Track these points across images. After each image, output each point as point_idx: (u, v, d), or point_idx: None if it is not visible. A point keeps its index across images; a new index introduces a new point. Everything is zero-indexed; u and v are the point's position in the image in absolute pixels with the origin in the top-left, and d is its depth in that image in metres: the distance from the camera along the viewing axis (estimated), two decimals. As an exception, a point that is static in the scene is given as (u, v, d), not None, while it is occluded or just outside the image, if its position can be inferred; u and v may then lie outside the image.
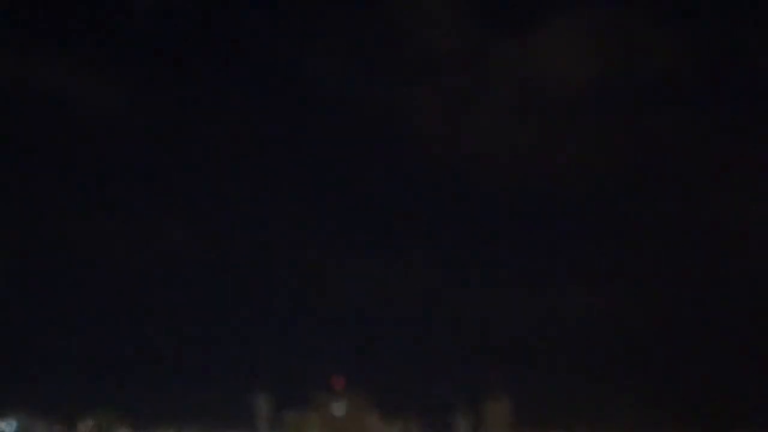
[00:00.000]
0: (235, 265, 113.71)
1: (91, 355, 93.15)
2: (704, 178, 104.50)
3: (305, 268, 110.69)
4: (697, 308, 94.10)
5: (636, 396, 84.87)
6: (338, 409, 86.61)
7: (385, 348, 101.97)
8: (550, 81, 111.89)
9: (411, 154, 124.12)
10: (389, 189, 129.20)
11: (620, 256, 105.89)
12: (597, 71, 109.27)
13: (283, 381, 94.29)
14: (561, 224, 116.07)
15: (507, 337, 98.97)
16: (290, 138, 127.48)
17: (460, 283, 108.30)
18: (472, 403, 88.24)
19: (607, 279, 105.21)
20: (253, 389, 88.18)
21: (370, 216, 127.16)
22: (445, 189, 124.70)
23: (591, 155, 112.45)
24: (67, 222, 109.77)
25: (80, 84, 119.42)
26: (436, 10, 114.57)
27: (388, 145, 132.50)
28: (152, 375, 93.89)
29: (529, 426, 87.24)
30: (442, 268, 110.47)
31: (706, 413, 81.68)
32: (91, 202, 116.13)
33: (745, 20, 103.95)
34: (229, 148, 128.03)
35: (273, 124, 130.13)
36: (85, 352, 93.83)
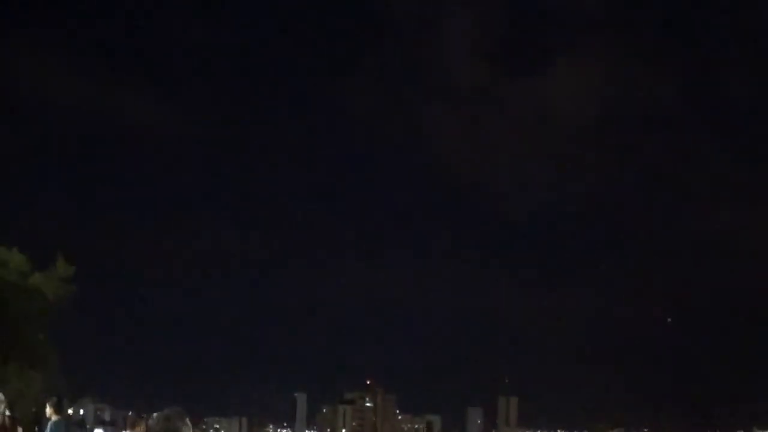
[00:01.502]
0: (279, 284, 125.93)
1: (159, 357, 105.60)
2: (696, 199, 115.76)
3: (339, 283, 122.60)
4: (696, 313, 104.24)
5: (642, 397, 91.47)
6: (369, 402, 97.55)
7: (410, 352, 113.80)
8: (556, 113, 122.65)
9: (431, 173, 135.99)
10: (412, 203, 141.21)
11: (623, 266, 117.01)
12: (599, 104, 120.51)
13: (319, 381, 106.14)
14: (568, 237, 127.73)
15: (519, 342, 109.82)
16: (324, 154, 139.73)
17: (478, 294, 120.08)
18: (487, 402, 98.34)
19: (613, 287, 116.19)
20: (293, 388, 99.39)
21: (393, 229, 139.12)
22: (461, 204, 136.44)
23: (593, 176, 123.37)
24: (134, 234, 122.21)
25: (154, 112, 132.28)
26: (456, 47, 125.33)
27: (410, 164, 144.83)
28: (207, 376, 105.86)
29: (538, 423, 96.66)
30: (462, 280, 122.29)
31: (712, 414, 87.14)
32: (153, 216, 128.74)
33: (730, 59, 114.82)
34: (274, 162, 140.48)
35: (309, 144, 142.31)
36: (153, 355, 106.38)
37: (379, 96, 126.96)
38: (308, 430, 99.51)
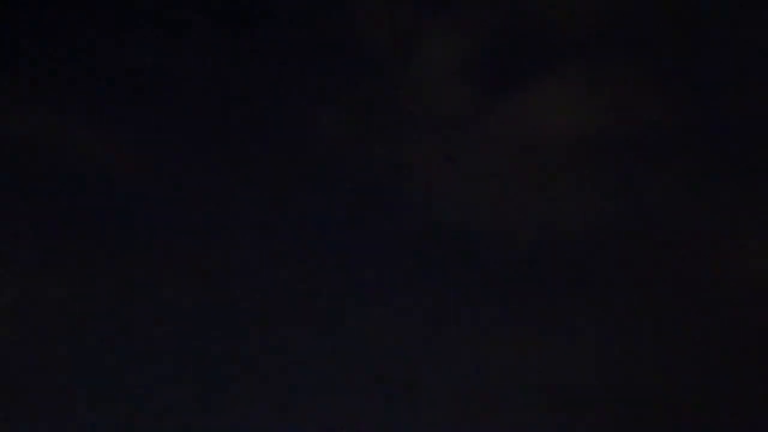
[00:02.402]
0: (240, 321, 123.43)
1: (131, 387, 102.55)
2: (692, 230, 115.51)
3: (309, 321, 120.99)
4: (684, 355, 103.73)
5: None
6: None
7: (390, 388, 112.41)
8: (546, 136, 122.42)
9: (412, 208, 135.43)
10: (391, 243, 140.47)
11: (612, 304, 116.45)
12: (591, 127, 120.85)
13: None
14: (556, 274, 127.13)
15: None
16: (295, 190, 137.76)
17: (456, 334, 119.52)
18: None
19: (598, 324, 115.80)
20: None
21: (371, 271, 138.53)
22: (444, 241, 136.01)
23: (586, 207, 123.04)
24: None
25: (82, 138, 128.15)
26: (436, 68, 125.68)
27: (390, 199, 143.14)
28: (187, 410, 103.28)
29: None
30: (438, 318, 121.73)
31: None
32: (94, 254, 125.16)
33: (726, 78, 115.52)
34: (234, 197, 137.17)
35: (279, 176, 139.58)
36: (128, 384, 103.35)
37: (352, 126, 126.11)
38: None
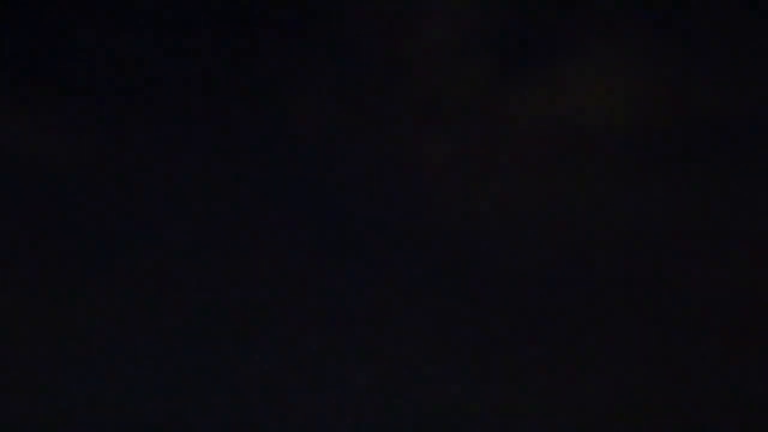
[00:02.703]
0: (240, 320, 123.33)
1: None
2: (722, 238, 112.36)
3: (309, 320, 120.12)
4: (689, 355, 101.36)
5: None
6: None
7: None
8: (565, 126, 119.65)
9: (419, 206, 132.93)
10: (393, 242, 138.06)
11: (634, 315, 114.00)
12: (622, 113, 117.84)
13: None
14: (564, 274, 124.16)
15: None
16: (295, 187, 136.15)
17: (458, 334, 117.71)
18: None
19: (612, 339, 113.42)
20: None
21: (371, 275, 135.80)
22: (447, 240, 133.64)
23: (612, 205, 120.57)
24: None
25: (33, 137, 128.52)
26: (445, 49, 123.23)
27: (395, 196, 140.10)
28: None
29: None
30: (440, 319, 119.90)
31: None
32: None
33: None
34: (233, 195, 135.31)
35: (278, 174, 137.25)
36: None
37: (352, 122, 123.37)
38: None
